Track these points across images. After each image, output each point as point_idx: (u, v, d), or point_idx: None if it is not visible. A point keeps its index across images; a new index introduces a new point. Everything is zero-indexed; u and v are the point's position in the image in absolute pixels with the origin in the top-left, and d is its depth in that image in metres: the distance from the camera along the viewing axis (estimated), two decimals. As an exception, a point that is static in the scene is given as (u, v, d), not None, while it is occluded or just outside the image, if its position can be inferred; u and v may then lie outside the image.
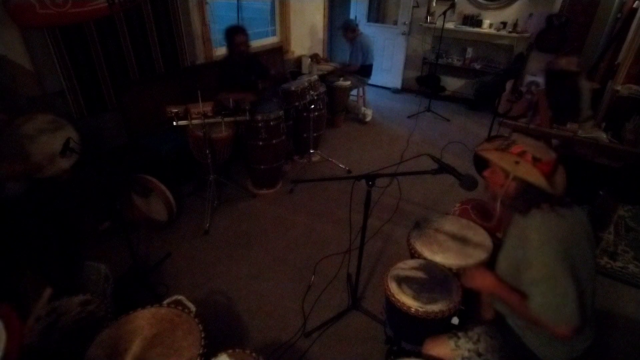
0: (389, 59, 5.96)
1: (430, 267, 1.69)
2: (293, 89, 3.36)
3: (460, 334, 1.42)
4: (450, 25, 5.10)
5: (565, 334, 1.15)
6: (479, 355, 1.36)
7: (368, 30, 5.61)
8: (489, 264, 1.66)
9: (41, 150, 2.00)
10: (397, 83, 6.06)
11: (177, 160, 3.09)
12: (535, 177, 1.17)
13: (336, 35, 6.03)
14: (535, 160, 1.19)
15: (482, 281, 1.37)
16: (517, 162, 1.20)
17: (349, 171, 3.67)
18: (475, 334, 1.41)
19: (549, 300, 1.15)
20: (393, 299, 1.56)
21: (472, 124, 4.96)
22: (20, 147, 1.96)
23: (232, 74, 3.23)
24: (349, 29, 4.58)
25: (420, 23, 5.53)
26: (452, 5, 4.91)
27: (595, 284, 1.28)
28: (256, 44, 4.28)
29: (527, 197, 1.22)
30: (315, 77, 3.71)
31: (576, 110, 2.79)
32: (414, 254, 1.81)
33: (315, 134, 3.78)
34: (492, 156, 1.27)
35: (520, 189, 1.22)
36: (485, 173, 1.34)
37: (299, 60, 5.09)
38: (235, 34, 3.16)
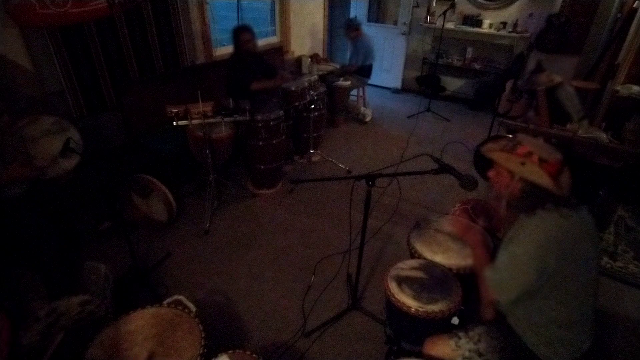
0: (389, 59, 5.96)
1: (430, 267, 1.69)
2: (293, 89, 3.36)
3: (460, 334, 1.42)
4: (450, 25, 5.10)
5: (490, 299, 1.30)
6: (480, 355, 1.35)
7: (368, 30, 5.60)
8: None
9: (44, 152, 2.00)
10: (397, 83, 6.06)
11: (177, 160, 3.09)
12: (541, 178, 1.17)
13: (336, 35, 6.04)
14: (542, 161, 1.19)
15: (473, 234, 1.58)
16: (523, 164, 1.20)
17: (349, 171, 3.67)
18: (476, 334, 1.41)
19: (502, 271, 1.25)
20: (393, 299, 1.56)
21: (472, 124, 4.96)
22: (24, 149, 1.95)
23: (239, 71, 3.24)
24: (352, 28, 4.57)
25: (420, 23, 5.53)
26: (452, 5, 4.91)
27: (597, 285, 1.28)
28: (256, 44, 4.28)
29: (533, 198, 1.22)
30: (315, 77, 3.71)
31: (567, 116, 2.80)
32: (414, 254, 1.81)
33: (315, 134, 3.78)
34: (498, 157, 1.27)
35: (525, 190, 1.22)
36: (490, 174, 1.34)
37: (299, 60, 5.09)
38: (241, 32, 3.20)
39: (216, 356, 1.36)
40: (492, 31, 5.08)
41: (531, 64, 4.23)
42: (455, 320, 1.52)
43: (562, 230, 1.18)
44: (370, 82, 5.11)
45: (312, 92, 3.50)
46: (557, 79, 2.84)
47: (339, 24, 5.18)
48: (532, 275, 1.17)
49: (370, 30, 5.69)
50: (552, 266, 1.16)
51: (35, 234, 1.96)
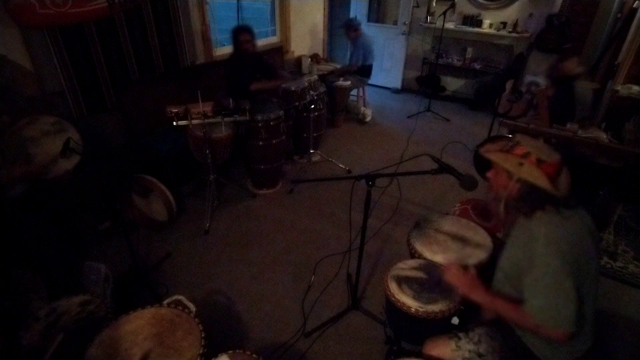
0: (389, 59, 5.96)
1: (430, 267, 1.68)
2: (293, 89, 3.36)
3: (460, 334, 1.42)
4: (450, 25, 5.10)
5: (561, 338, 1.16)
6: (480, 356, 1.35)
7: (368, 30, 5.61)
8: (489, 264, 1.66)
9: (44, 152, 2.00)
10: (397, 83, 6.06)
11: (177, 160, 3.09)
12: (539, 178, 1.16)
13: (336, 35, 6.04)
14: (540, 162, 1.18)
15: (470, 287, 1.36)
16: (521, 164, 1.20)
17: (349, 171, 3.67)
18: (476, 334, 1.40)
19: (550, 301, 1.14)
20: (393, 299, 1.56)
21: (472, 124, 4.96)
22: (23, 149, 1.95)
23: (238, 72, 3.24)
24: (352, 28, 4.58)
25: (420, 23, 5.53)
26: (452, 5, 4.91)
27: (597, 285, 1.28)
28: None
29: (531, 199, 1.21)
30: (315, 77, 3.71)
31: (572, 111, 2.80)
32: (414, 254, 1.81)
33: (315, 134, 3.78)
34: (496, 158, 1.26)
35: (524, 191, 1.21)
36: (489, 174, 1.33)
37: (299, 60, 5.09)
38: (240, 33, 3.21)
39: (216, 356, 1.36)
40: (492, 31, 5.08)
41: (532, 64, 4.23)
42: (455, 321, 1.52)
43: (568, 232, 1.17)
44: (370, 82, 5.11)
45: (312, 92, 3.50)
46: (581, 68, 2.85)
47: (339, 24, 5.18)
48: (573, 287, 1.13)
49: (370, 30, 5.69)
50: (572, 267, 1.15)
51: (36, 234, 1.96)
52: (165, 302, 1.60)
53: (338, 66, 5.03)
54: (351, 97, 5.00)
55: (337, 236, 2.78)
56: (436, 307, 1.49)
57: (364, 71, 4.70)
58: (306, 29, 5.24)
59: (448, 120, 5.03)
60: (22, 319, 1.53)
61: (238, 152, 3.22)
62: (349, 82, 4.49)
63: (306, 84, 3.45)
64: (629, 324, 2.17)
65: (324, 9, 5.45)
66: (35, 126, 2.01)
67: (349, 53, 4.95)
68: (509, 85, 3.99)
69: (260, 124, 3.00)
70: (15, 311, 1.72)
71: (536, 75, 4.08)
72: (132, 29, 3.04)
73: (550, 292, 1.14)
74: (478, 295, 1.33)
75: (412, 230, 1.92)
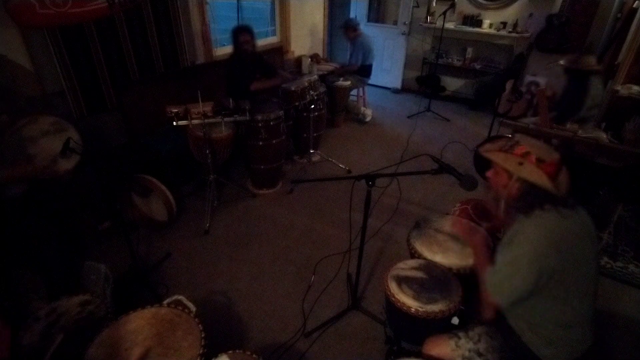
0: (389, 59, 5.97)
1: (430, 267, 1.69)
2: (293, 89, 3.36)
3: (460, 334, 1.42)
4: (450, 25, 5.10)
5: (489, 302, 1.30)
6: (480, 355, 1.36)
7: (368, 30, 5.61)
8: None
9: (43, 152, 2.00)
10: (397, 83, 6.06)
11: (177, 160, 3.09)
12: (539, 178, 1.17)
13: (336, 35, 6.04)
14: (539, 161, 1.19)
15: (475, 236, 1.57)
16: (520, 164, 1.20)
17: (349, 171, 3.67)
18: (476, 334, 1.41)
19: (503, 272, 1.23)
20: (393, 299, 1.56)
21: (472, 124, 4.96)
22: (23, 149, 1.96)
23: (238, 71, 3.24)
24: (350, 28, 4.59)
25: (420, 23, 5.53)
26: (452, 5, 4.91)
27: (597, 285, 1.28)
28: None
29: (531, 198, 1.22)
30: (315, 77, 3.71)
31: (580, 105, 2.79)
32: (414, 254, 1.81)
33: (315, 134, 3.77)
34: (496, 157, 1.27)
35: (523, 190, 1.22)
36: (488, 174, 1.34)
37: (299, 60, 5.09)
38: (239, 33, 3.21)
39: (216, 356, 1.36)
40: (492, 31, 5.08)
41: (532, 64, 4.23)
42: (455, 320, 1.52)
43: (562, 230, 1.18)
44: (370, 82, 5.11)
45: (312, 92, 3.50)
46: (599, 66, 2.89)
47: (339, 24, 5.18)
48: (532, 277, 1.17)
49: (370, 30, 5.69)
50: (552, 267, 1.16)
51: (36, 234, 1.96)
52: (165, 302, 1.60)
53: (338, 66, 5.03)
54: (351, 97, 5.00)
55: (337, 236, 2.78)
56: (436, 307, 1.49)
57: (364, 71, 4.70)
58: (306, 29, 5.24)
59: (448, 120, 5.03)
60: (22, 319, 1.53)
61: (238, 152, 3.22)
62: (349, 82, 4.49)
63: (306, 84, 3.45)
64: (628, 324, 2.17)
65: (324, 9, 5.45)
66: (35, 126, 2.01)
67: (348, 53, 4.95)
68: (509, 85, 4.00)
69: (260, 124, 3.00)
70: (15, 311, 1.72)
71: (536, 75, 4.08)
72: (132, 29, 3.04)
73: (510, 265, 1.21)
74: (475, 242, 1.53)
75: (412, 230, 1.92)
